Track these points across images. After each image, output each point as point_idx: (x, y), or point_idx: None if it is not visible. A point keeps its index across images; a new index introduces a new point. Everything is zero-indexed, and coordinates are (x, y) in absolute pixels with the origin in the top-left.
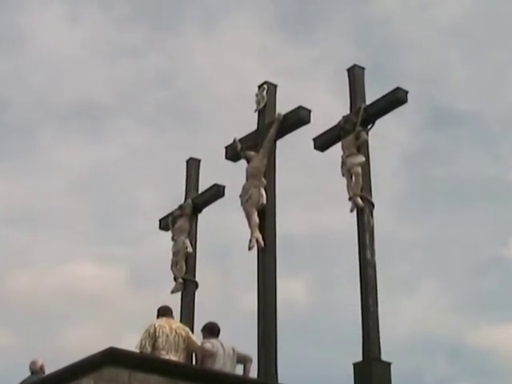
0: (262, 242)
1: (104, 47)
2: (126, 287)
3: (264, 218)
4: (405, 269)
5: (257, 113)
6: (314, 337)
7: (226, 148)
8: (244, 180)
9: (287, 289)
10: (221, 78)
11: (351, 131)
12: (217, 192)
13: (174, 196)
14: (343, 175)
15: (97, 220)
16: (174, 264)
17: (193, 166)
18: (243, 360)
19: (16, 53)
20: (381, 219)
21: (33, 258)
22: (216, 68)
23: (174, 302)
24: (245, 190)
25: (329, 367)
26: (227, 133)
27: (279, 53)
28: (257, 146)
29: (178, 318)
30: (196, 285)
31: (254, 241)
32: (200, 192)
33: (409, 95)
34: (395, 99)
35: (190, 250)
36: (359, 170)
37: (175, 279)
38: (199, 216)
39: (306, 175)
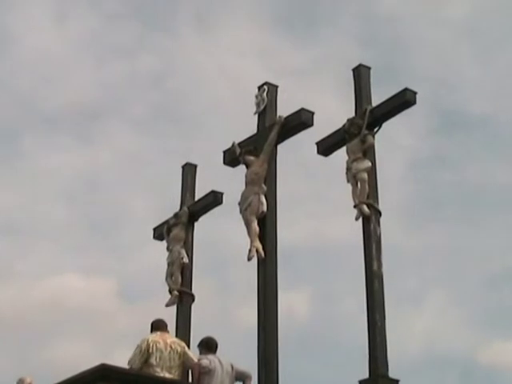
0: (262, 253)
1: (93, 47)
2: (117, 300)
3: (264, 227)
4: (413, 281)
5: (257, 115)
6: (317, 353)
7: (224, 152)
8: (243, 186)
9: (289, 302)
10: (218, 78)
11: (357, 135)
12: (214, 199)
13: (169, 204)
14: (348, 181)
15: (86, 229)
16: (169, 275)
17: (189, 171)
18: (242, 377)
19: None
20: (388, 228)
21: (18, 271)
22: (213, 68)
23: (170, 316)
24: (244, 196)
25: None
26: (225, 136)
27: (280, 52)
28: (257, 151)
29: (174, 333)
30: (192, 297)
31: (253, 251)
32: (196, 199)
33: (417, 97)
34: (403, 101)
35: (185, 260)
36: (365, 175)
37: (170, 292)
38: (196, 225)
39: (309, 181)
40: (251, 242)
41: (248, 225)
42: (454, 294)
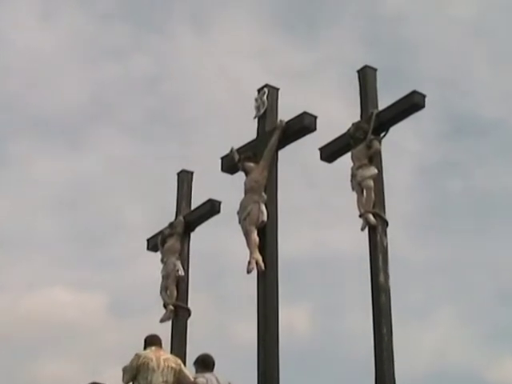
0: (262, 264)
1: (84, 49)
2: (108, 315)
3: (264, 238)
4: (421, 295)
5: (256, 119)
6: (320, 370)
7: (222, 159)
8: (242, 195)
9: (290, 316)
10: (216, 80)
11: (362, 140)
12: (211, 208)
13: (164, 213)
14: (353, 189)
15: (76, 240)
16: (164, 289)
17: (185, 179)
18: None
19: None
20: (395, 239)
21: (2, 283)
22: (210, 70)
23: (164, 332)
24: (243, 205)
25: None
26: (223, 142)
27: (281, 52)
28: (256, 157)
29: (169, 350)
30: (188, 312)
31: (253, 263)
32: (193, 208)
33: (426, 100)
34: (411, 104)
35: (181, 273)
36: (371, 183)
37: (165, 306)
38: (192, 235)
39: (312, 189)
40: (250, 253)
41: (247, 235)
42: (463, 308)
